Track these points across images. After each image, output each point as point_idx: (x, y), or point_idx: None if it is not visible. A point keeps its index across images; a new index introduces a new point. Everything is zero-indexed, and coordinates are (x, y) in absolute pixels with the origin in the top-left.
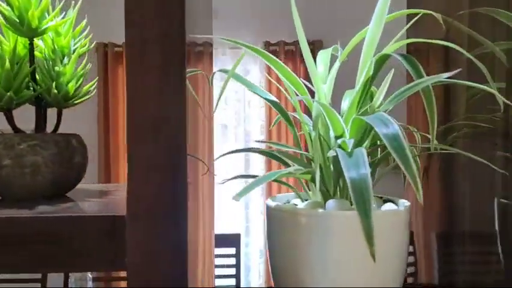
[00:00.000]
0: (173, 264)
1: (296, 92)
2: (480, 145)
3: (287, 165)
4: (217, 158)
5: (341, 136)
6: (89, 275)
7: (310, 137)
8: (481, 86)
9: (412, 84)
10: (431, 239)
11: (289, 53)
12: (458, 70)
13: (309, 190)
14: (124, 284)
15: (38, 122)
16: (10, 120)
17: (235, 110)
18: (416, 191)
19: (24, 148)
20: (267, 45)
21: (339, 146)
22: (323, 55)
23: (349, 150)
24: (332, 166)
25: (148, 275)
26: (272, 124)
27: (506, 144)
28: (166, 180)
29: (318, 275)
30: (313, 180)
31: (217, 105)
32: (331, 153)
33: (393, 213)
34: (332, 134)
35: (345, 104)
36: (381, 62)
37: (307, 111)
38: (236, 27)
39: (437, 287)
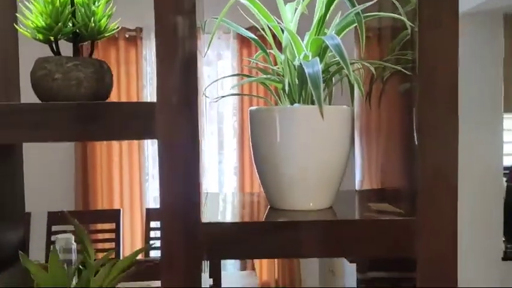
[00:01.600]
0: None
1: (268, 25)
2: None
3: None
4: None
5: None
6: (74, 246)
7: (281, 61)
8: (389, 14)
9: (347, 12)
10: None
11: None
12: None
13: (280, 101)
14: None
15: (75, 52)
16: (56, 49)
17: (208, 91)
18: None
19: (70, 66)
20: None
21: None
22: (289, 7)
23: (308, 60)
24: (296, 79)
25: None
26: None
27: None
28: None
29: (288, 159)
30: (283, 89)
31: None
32: (296, 61)
33: (339, 109)
34: (297, 59)
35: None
36: (331, 2)
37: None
38: None
39: None
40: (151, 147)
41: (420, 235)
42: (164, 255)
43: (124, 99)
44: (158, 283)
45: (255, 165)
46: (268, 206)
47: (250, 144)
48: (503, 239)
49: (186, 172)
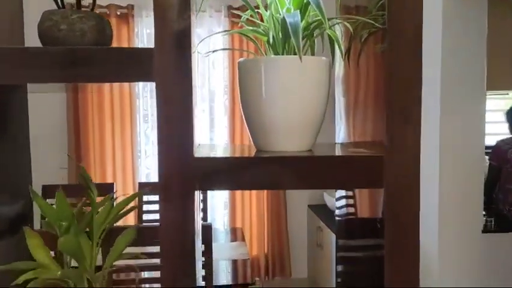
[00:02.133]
0: None
1: None
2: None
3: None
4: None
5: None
6: None
7: (267, 18)
8: None
9: None
10: None
11: None
12: None
13: (265, 54)
14: None
15: (78, 6)
16: (61, 3)
17: (199, 71)
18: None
19: (75, 18)
20: None
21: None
22: None
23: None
24: (280, 33)
25: None
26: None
27: None
28: None
29: (272, 105)
30: (268, 41)
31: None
32: (281, 14)
33: (318, 60)
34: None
35: None
36: None
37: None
38: None
39: None
40: (143, 124)
41: (389, 169)
42: (162, 184)
43: None
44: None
45: (243, 113)
46: (255, 150)
47: (239, 95)
48: (484, 213)
49: (180, 109)
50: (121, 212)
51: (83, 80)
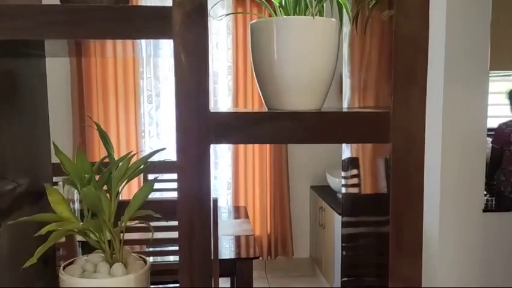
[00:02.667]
0: None
1: None
2: None
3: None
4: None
5: None
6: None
7: None
8: None
9: None
10: None
11: None
12: None
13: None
14: None
15: None
16: None
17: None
18: None
19: None
20: None
21: None
22: None
23: None
24: None
25: None
26: None
27: None
28: None
29: (283, 64)
30: (280, 3)
31: None
32: None
33: (327, 21)
34: None
35: None
36: None
37: None
38: None
39: None
40: (147, 105)
41: (395, 124)
42: (179, 138)
43: None
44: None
45: (255, 75)
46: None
47: (251, 57)
48: (485, 193)
49: (197, 64)
50: (139, 168)
51: (102, 35)
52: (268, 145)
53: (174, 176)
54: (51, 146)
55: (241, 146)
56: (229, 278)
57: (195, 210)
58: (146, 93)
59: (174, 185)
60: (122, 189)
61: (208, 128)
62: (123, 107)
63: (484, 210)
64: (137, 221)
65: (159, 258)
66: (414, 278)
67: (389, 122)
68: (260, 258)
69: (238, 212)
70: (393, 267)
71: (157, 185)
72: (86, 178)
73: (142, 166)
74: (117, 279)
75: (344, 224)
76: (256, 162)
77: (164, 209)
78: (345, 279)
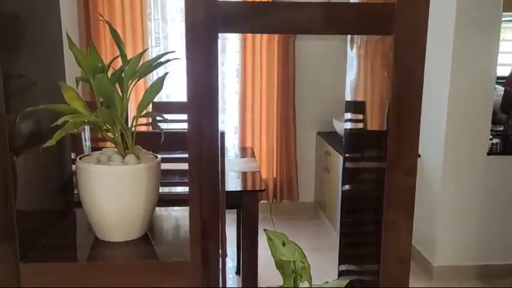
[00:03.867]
0: None
1: None
2: None
3: None
4: None
5: None
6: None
7: None
8: None
9: None
10: None
11: None
12: None
13: None
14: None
15: None
16: None
17: None
18: None
19: None
20: None
21: None
22: None
23: None
24: None
25: None
26: None
27: None
28: None
29: None
30: None
31: None
32: None
33: None
34: None
35: None
36: None
37: None
38: None
39: None
40: (154, 48)
41: (399, 16)
42: (188, 27)
43: None
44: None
45: None
46: None
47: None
48: (491, 137)
49: None
50: (149, 66)
51: None
52: (276, 89)
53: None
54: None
55: (249, 88)
56: (235, 210)
57: (202, 105)
58: (154, 35)
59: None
60: (132, 88)
61: (216, 18)
62: (131, 50)
63: (489, 154)
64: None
65: (167, 189)
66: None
67: (393, 13)
68: (266, 201)
69: (245, 152)
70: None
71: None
72: (99, 68)
73: (153, 64)
74: (130, 167)
75: (346, 159)
76: (263, 108)
77: (175, 140)
78: (345, 212)
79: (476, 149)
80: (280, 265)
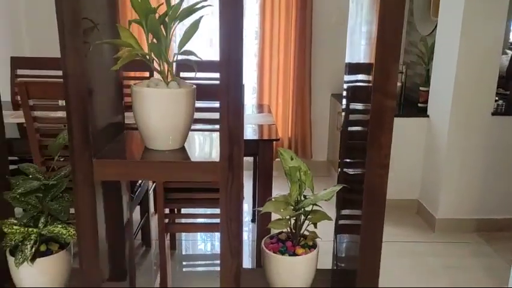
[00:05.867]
0: None
1: None
2: None
3: None
4: None
5: None
6: None
7: None
8: None
9: None
10: None
11: None
12: None
13: None
14: None
15: None
16: None
17: None
18: None
19: None
20: None
21: None
22: None
23: None
24: None
25: None
26: None
27: None
28: None
29: None
30: None
31: None
32: None
33: None
34: None
35: None
36: None
37: None
38: None
39: None
40: None
41: None
42: None
43: None
44: None
45: None
46: None
47: None
48: (497, 99)
49: None
50: (191, 10)
51: None
52: (292, 51)
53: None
54: None
55: (267, 50)
56: (252, 158)
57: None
58: None
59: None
60: (174, 29)
61: None
62: None
63: (493, 114)
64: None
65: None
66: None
67: None
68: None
69: (262, 108)
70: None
71: None
72: (150, 10)
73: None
74: (173, 90)
75: (346, 111)
76: (280, 70)
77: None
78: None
79: (482, 109)
80: (288, 173)
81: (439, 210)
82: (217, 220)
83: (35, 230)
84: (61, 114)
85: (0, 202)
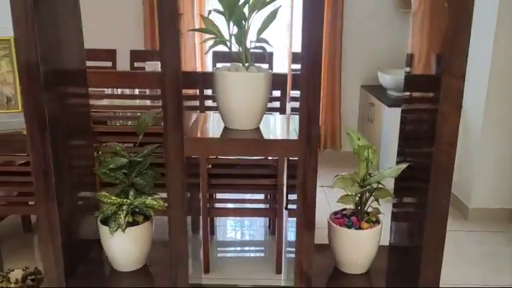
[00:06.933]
0: None
1: None
2: None
3: None
4: None
5: None
6: None
7: None
8: None
9: None
10: None
11: None
12: None
13: None
14: None
15: None
16: None
17: None
18: None
19: None
20: None
21: None
22: None
23: None
24: None
25: None
26: None
27: None
28: None
29: None
30: None
31: None
32: None
33: None
34: None
35: None
36: None
37: None
38: None
39: None
40: None
41: None
42: None
43: None
44: None
45: None
46: None
47: None
48: None
49: None
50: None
51: None
52: (324, 43)
53: None
54: None
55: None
56: None
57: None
58: None
59: None
60: (253, 18)
61: None
62: None
63: None
64: None
65: None
66: None
67: None
68: None
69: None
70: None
71: None
72: (235, 1)
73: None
74: (253, 74)
75: (404, 101)
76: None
77: None
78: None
79: None
80: (357, 151)
81: (472, 200)
82: (259, 205)
83: (128, 201)
84: (107, 102)
85: (88, 178)
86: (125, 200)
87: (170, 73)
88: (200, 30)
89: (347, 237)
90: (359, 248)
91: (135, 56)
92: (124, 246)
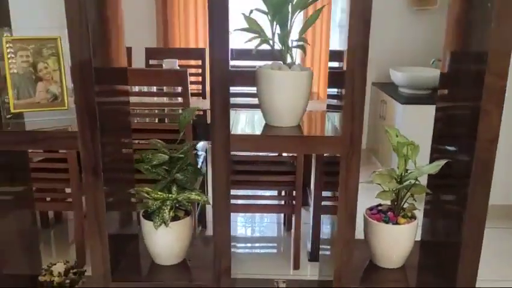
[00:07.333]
0: None
1: None
2: None
3: None
4: None
5: None
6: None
7: None
8: None
9: None
10: None
11: None
12: None
13: None
14: None
15: None
16: None
17: None
18: None
19: None
20: None
21: None
22: None
23: None
24: None
25: None
26: None
27: None
28: None
29: None
30: None
31: None
32: None
33: None
34: None
35: None
36: None
37: None
38: None
39: None
40: None
41: None
42: None
43: None
44: None
45: None
46: None
47: None
48: None
49: None
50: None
51: None
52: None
53: None
54: None
55: (309, 39)
56: None
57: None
58: None
59: None
60: (296, 17)
61: None
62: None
63: None
64: None
65: None
66: None
67: None
68: None
69: (311, 95)
70: None
71: None
72: (281, 3)
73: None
74: (296, 72)
75: (439, 99)
76: (322, 60)
77: None
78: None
79: None
80: (396, 148)
81: (491, 197)
82: (273, 202)
83: (172, 196)
84: (137, 99)
85: (128, 175)
86: (170, 196)
87: (218, 72)
88: (245, 29)
89: (385, 232)
90: (396, 242)
91: (150, 53)
92: (167, 241)
